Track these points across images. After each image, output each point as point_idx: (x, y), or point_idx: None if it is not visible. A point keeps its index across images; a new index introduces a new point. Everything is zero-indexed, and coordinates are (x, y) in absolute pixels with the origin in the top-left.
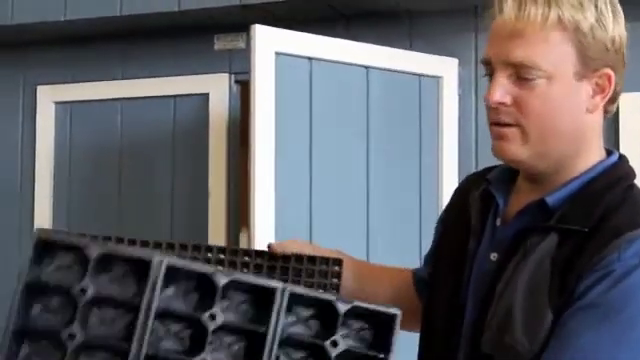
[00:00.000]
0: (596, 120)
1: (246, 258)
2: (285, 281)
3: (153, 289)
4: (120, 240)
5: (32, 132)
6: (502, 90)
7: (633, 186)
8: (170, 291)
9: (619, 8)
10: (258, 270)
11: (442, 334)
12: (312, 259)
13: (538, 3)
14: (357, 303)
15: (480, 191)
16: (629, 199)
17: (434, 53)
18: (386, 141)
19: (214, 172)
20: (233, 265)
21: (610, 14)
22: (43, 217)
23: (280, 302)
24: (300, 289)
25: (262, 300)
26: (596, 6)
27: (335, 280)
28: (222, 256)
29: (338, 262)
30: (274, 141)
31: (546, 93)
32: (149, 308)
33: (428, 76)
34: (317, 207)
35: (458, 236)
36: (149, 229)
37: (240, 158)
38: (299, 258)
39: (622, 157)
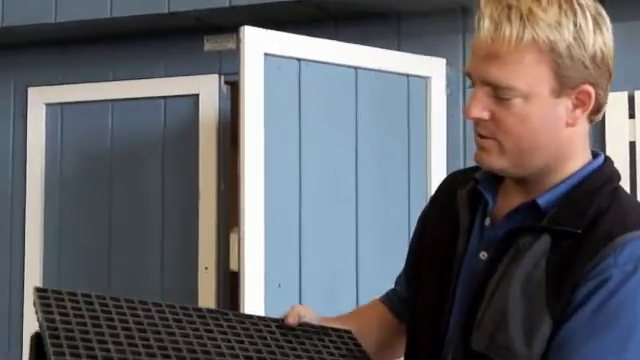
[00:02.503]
0: (578, 131)
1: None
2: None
3: None
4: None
5: (23, 134)
6: (480, 106)
7: (619, 188)
8: None
9: (603, 18)
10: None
11: (429, 333)
12: (325, 330)
13: (513, 23)
14: None
15: (467, 189)
16: (617, 201)
17: (422, 53)
18: (375, 141)
19: (204, 172)
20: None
21: (591, 29)
22: (34, 219)
23: None
24: None
25: None
26: (575, 23)
27: (355, 344)
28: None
29: (348, 332)
30: (264, 142)
31: (523, 112)
32: None
33: (416, 76)
34: (307, 207)
35: (445, 234)
36: (140, 230)
37: (230, 159)
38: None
39: (607, 159)
